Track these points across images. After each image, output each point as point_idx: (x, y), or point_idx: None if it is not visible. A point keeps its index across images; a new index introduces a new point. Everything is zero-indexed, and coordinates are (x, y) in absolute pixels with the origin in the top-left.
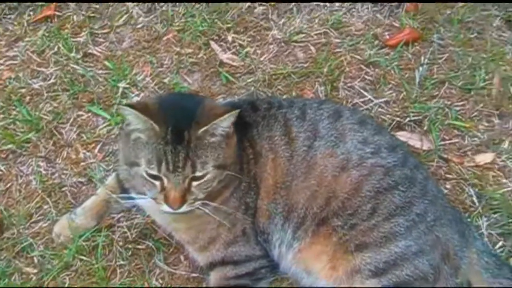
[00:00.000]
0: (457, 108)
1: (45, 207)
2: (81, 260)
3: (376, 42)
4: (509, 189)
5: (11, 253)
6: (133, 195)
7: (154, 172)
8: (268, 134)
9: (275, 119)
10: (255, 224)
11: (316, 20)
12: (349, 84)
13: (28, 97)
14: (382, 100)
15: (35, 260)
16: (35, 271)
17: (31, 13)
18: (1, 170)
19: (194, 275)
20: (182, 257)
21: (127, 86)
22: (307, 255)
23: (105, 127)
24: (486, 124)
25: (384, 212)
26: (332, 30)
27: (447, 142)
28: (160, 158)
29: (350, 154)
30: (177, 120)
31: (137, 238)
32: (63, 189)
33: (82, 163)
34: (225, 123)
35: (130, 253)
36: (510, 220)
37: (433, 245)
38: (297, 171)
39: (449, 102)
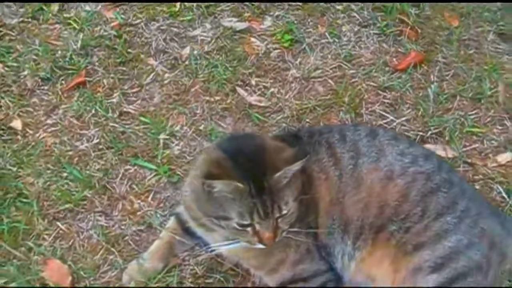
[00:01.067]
0: (472, 117)
1: (111, 257)
2: None
3: (387, 68)
4: None
5: None
6: (219, 243)
7: (247, 222)
8: (316, 158)
9: (319, 145)
10: (317, 240)
11: (329, 56)
12: (370, 109)
13: (76, 159)
14: (403, 119)
15: None
16: None
17: (63, 82)
18: (62, 230)
19: None
20: (249, 284)
21: (167, 137)
22: (369, 262)
23: (153, 177)
24: (500, 127)
25: (433, 213)
26: (345, 62)
27: (469, 148)
28: (251, 209)
29: (392, 165)
30: (254, 172)
31: (205, 273)
32: (125, 238)
33: (138, 213)
34: (296, 167)
35: (205, 284)
36: None
37: (480, 236)
38: (348, 187)
39: (463, 113)
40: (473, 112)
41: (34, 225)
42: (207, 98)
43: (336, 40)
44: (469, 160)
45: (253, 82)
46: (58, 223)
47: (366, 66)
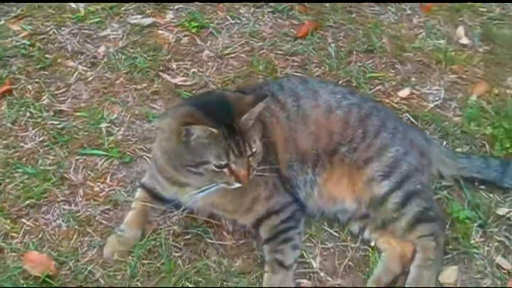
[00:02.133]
0: (370, 65)
1: (86, 238)
2: (143, 264)
3: (288, 38)
4: (431, 106)
5: (76, 284)
6: (196, 191)
7: (224, 162)
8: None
9: None
10: (281, 175)
11: (235, 35)
12: (284, 72)
13: (24, 158)
14: (316, 75)
15: (102, 281)
16: None
17: None
18: (29, 225)
19: (242, 242)
20: (225, 233)
21: (108, 125)
22: (330, 185)
23: (105, 161)
24: (393, 70)
25: (371, 132)
26: (251, 38)
27: (374, 89)
28: (226, 150)
29: (329, 101)
30: (223, 118)
31: (183, 231)
32: (96, 218)
33: (101, 194)
34: (259, 108)
35: (182, 244)
36: (443, 126)
37: (411, 146)
38: (297, 125)
39: (361, 63)
40: (370, 62)
41: None
42: (134, 86)
43: (238, 21)
44: (378, 99)
45: (174, 66)
46: (23, 220)
47: (270, 39)
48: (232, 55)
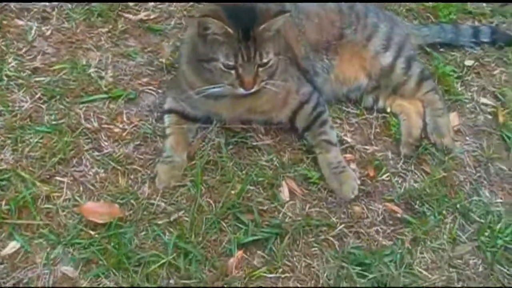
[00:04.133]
0: None
1: (132, 176)
2: (204, 182)
3: None
4: None
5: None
6: (206, 88)
7: (232, 63)
8: None
9: None
10: (300, 68)
11: None
12: None
13: (28, 119)
14: None
15: (171, 209)
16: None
17: None
18: (66, 182)
19: (278, 138)
20: (260, 135)
21: (94, 70)
22: (343, 66)
23: (109, 104)
24: None
25: (361, 15)
26: None
27: None
28: (236, 52)
29: (324, 3)
30: (243, 23)
31: (225, 142)
32: (133, 155)
33: (125, 133)
34: (279, 22)
35: (230, 153)
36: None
37: (392, 20)
38: (302, 21)
39: None
40: None
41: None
42: (99, 30)
43: None
44: None
45: (131, 4)
46: (58, 178)
47: None
48: None
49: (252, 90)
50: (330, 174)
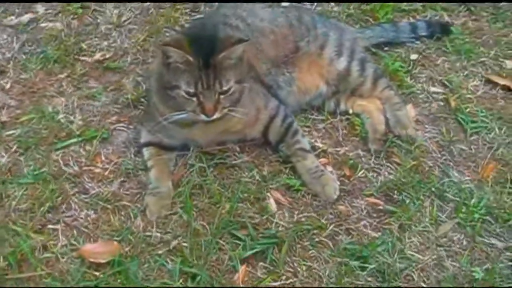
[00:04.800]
0: None
1: (122, 212)
2: (194, 206)
3: None
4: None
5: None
6: (172, 114)
7: (192, 90)
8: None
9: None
10: (264, 84)
11: (121, 5)
12: (184, 19)
13: (8, 173)
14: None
15: (168, 237)
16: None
17: None
18: (58, 229)
19: (254, 154)
20: (236, 154)
21: (63, 115)
22: (303, 77)
23: (85, 145)
24: None
25: (310, 25)
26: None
27: None
28: (196, 79)
29: (266, 14)
30: (204, 51)
31: (204, 167)
32: (119, 192)
33: (107, 172)
34: (239, 50)
35: (212, 175)
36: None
37: (338, 28)
38: (258, 39)
39: None
40: None
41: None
42: (58, 76)
43: None
44: None
45: (84, 46)
46: (50, 226)
47: None
48: (129, 21)
49: (214, 117)
50: (311, 179)
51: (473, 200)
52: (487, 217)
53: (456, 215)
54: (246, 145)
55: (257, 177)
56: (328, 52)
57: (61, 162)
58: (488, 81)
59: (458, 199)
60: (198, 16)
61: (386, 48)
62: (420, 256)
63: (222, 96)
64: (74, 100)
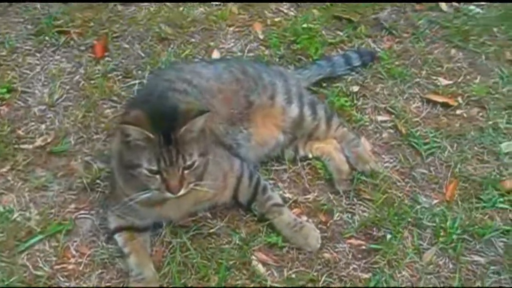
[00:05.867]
0: None
1: None
2: (184, 283)
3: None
4: None
5: None
6: (137, 195)
7: (155, 168)
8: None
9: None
10: (225, 146)
11: (43, 81)
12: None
13: None
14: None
15: None
16: None
17: None
18: None
19: (227, 217)
20: (209, 221)
21: (18, 213)
22: (260, 130)
23: (49, 242)
24: None
25: (256, 77)
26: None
27: None
28: (158, 157)
29: (210, 72)
30: (164, 126)
31: (183, 242)
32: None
33: (81, 267)
34: (200, 122)
35: (192, 249)
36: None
37: (281, 75)
38: (208, 100)
39: None
40: None
41: None
42: (2, 170)
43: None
44: None
45: (21, 133)
46: None
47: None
48: (62, 98)
49: (180, 194)
50: (292, 233)
51: (448, 223)
52: (465, 236)
53: (437, 240)
54: (217, 210)
55: (237, 241)
56: (279, 101)
57: (29, 265)
58: (428, 101)
59: (434, 224)
60: (132, 82)
61: (324, 84)
62: None
63: (186, 171)
64: (25, 195)
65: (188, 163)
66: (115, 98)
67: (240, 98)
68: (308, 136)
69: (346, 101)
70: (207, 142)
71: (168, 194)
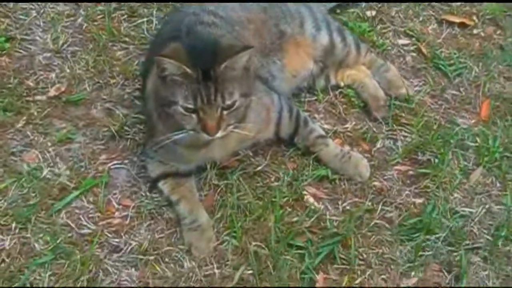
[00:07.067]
0: None
1: (171, 255)
2: (241, 228)
3: None
4: None
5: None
6: (171, 135)
7: (191, 106)
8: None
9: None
10: (262, 80)
11: (41, 27)
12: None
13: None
14: None
15: (230, 271)
16: None
17: None
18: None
19: (270, 151)
20: (252, 160)
21: (48, 170)
22: (292, 60)
23: (90, 198)
24: None
25: (282, 5)
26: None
27: None
28: (195, 94)
29: (236, 3)
30: (203, 61)
31: (235, 188)
32: (155, 238)
33: (126, 221)
34: (243, 59)
35: (243, 188)
36: None
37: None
38: (239, 32)
39: None
40: None
41: None
42: (16, 126)
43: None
44: None
45: (31, 84)
46: None
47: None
48: (68, 43)
49: (218, 136)
50: (341, 164)
51: (490, 141)
52: (507, 154)
53: (481, 161)
54: (258, 148)
55: (286, 178)
56: (308, 29)
57: (71, 224)
58: (444, 22)
59: (476, 144)
60: (140, 20)
61: (338, 11)
62: (470, 209)
63: (225, 112)
64: (49, 150)
65: (228, 102)
66: (126, 39)
67: (271, 28)
68: (338, 64)
69: (367, 26)
70: (251, 82)
71: (205, 136)
